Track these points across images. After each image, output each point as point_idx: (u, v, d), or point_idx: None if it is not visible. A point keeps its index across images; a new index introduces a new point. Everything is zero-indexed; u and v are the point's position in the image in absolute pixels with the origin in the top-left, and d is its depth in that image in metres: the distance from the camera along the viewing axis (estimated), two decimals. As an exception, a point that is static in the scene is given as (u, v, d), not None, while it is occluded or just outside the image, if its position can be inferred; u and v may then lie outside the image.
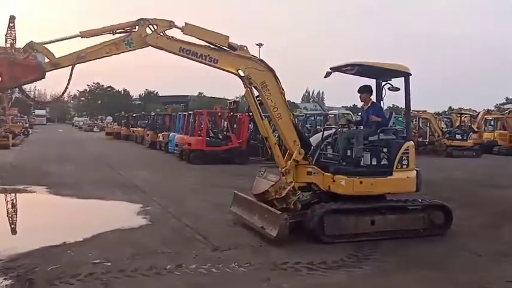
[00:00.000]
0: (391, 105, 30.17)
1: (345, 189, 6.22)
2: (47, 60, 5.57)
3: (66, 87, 5.91)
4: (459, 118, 25.36)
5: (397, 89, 6.90)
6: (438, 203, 6.77)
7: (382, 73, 6.95)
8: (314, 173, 6.52)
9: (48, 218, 7.91)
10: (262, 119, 6.49)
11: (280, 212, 5.93)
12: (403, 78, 6.79)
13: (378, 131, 6.62)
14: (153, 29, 5.91)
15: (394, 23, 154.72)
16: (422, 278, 4.87)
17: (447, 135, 22.99)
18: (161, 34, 5.94)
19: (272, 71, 6.38)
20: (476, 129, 25.71)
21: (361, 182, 6.25)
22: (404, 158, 6.58)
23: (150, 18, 5.86)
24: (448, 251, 5.92)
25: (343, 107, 56.30)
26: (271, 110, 6.37)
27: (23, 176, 12.15)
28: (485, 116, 27.84)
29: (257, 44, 46.37)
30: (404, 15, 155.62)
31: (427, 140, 23.51)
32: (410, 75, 6.79)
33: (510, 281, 4.84)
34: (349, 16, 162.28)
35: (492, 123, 26.93)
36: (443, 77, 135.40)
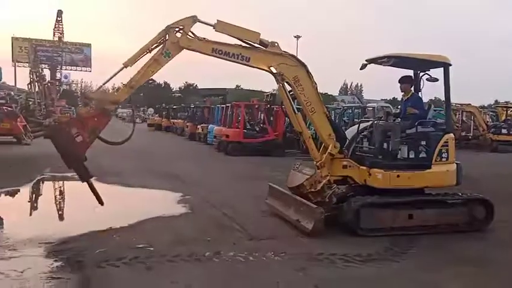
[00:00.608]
0: (433, 98, 29.30)
1: (382, 183, 6.19)
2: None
3: (134, 126, 6.23)
4: (505, 112, 24.21)
5: (436, 80, 6.77)
6: (479, 197, 6.59)
7: (420, 64, 6.84)
8: (349, 167, 6.52)
9: (95, 204, 8.33)
10: (295, 113, 6.54)
11: (315, 206, 5.98)
12: (443, 68, 6.65)
13: (416, 123, 6.53)
14: (181, 32, 5.92)
15: (433, 13, 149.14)
16: (461, 274, 4.80)
17: (492, 129, 22.09)
18: (192, 35, 5.97)
19: (304, 66, 6.37)
20: (524, 124, 24.51)
21: (398, 176, 6.21)
22: (443, 150, 6.46)
23: (175, 22, 5.91)
24: (489, 247, 5.80)
25: (382, 99, 55.03)
26: (305, 104, 6.40)
27: (71, 164, 12.81)
28: (533, 110, 26.45)
29: (295, 36, 46.25)
30: (443, 4, 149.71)
31: (471, 134, 22.68)
32: (450, 65, 6.63)
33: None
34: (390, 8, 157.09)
35: (542, 117, 25.54)
36: (489, 69, 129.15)
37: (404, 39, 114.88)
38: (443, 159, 6.45)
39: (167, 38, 5.88)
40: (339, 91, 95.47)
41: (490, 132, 21.92)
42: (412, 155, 6.49)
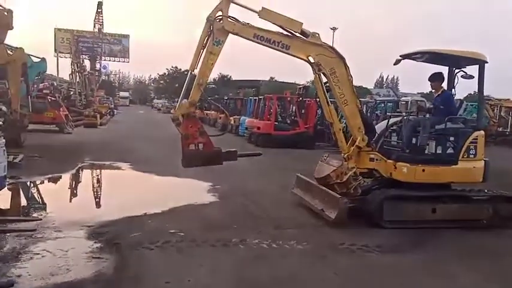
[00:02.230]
0: (472, 93, 28.35)
1: (407, 177, 6.28)
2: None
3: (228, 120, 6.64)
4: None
5: (471, 77, 6.72)
6: (505, 195, 6.58)
7: (455, 60, 6.80)
8: (376, 160, 6.62)
9: (131, 191, 8.84)
10: (328, 104, 6.68)
11: (340, 196, 6.15)
12: (478, 65, 6.59)
13: (446, 119, 6.54)
14: (223, 17, 6.17)
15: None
16: (478, 269, 4.87)
17: (533, 125, 21.30)
18: (232, 19, 6.21)
19: (342, 58, 6.48)
20: None
21: (423, 170, 6.27)
22: (471, 147, 6.47)
23: (212, 11, 6.16)
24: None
25: (418, 93, 53.49)
26: (339, 96, 6.52)
27: (110, 152, 13.43)
28: None
29: (331, 28, 45.61)
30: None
31: (508, 130, 21.92)
32: (486, 62, 6.57)
33: None
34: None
35: None
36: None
37: (449, 36, 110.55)
38: (470, 156, 6.45)
39: (212, 28, 6.17)
40: (375, 84, 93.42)
41: (530, 128, 21.17)
42: (439, 151, 6.53)
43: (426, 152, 6.52)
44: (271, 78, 76.02)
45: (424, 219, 6.19)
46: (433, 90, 7.16)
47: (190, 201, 7.58)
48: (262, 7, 6.30)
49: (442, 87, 6.98)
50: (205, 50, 6.23)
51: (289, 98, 20.03)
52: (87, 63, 56.54)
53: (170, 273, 4.39)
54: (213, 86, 75.68)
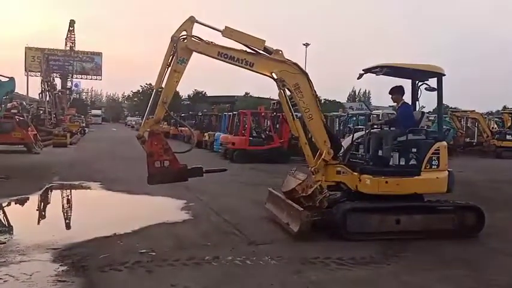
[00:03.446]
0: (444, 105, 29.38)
1: (370, 189, 6.39)
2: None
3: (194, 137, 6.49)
4: (511, 118, 24.18)
5: (434, 89, 6.90)
6: (470, 205, 6.75)
7: (414, 74, 6.99)
8: (343, 173, 6.71)
9: (101, 211, 8.68)
10: (294, 119, 6.79)
11: (302, 209, 6.18)
12: (436, 78, 6.82)
13: (407, 131, 6.70)
14: (187, 37, 6.27)
15: (444, 17, 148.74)
16: (450, 277, 4.96)
17: (497, 135, 22.11)
18: (196, 38, 6.30)
19: (305, 74, 6.64)
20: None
21: (386, 182, 6.39)
22: (434, 158, 6.61)
23: (176, 30, 6.24)
24: (480, 252, 5.98)
25: (390, 106, 54.82)
26: (303, 111, 6.64)
27: (79, 172, 13.18)
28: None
29: (304, 44, 46.35)
30: (455, 10, 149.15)
31: (475, 141, 22.74)
32: (444, 75, 6.81)
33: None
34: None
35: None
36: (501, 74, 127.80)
37: (417, 50, 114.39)
38: (433, 167, 6.60)
39: (176, 47, 6.23)
40: (347, 98, 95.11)
41: (495, 138, 21.96)
42: (402, 162, 6.67)
43: (391, 163, 6.66)
44: (246, 93, 76.42)
45: (390, 231, 6.26)
46: (395, 104, 7.38)
47: (162, 219, 7.49)
48: (226, 26, 6.41)
49: (402, 99, 7.18)
50: (169, 68, 6.29)
51: (263, 113, 20.20)
52: (58, 81, 55.58)
53: (139, 294, 4.31)
54: (188, 102, 75.39)
